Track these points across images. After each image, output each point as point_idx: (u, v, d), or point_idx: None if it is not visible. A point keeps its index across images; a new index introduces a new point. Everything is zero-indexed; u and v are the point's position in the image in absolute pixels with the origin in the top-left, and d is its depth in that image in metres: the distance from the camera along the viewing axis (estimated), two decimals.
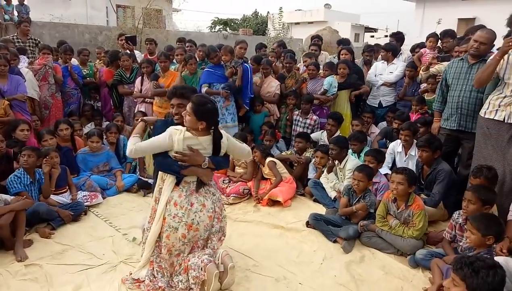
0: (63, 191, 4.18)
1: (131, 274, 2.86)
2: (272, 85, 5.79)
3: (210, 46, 5.64)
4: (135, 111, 5.84)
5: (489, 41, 3.83)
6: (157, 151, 2.69)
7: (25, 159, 3.78)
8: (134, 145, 2.66)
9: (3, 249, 3.22)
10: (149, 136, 3.09)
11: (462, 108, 3.99)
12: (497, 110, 3.52)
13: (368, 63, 6.35)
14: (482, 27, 4.01)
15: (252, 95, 5.54)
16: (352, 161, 4.30)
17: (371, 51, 6.49)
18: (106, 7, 16.31)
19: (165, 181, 2.75)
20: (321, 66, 6.02)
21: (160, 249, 2.77)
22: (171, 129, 2.67)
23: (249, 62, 5.98)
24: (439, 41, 5.87)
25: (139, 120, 3.02)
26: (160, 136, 2.67)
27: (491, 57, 3.59)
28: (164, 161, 2.70)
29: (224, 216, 2.95)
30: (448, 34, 5.71)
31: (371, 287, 2.90)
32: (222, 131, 2.81)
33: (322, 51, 7.11)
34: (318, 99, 5.64)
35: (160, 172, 2.81)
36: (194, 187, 2.74)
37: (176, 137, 2.63)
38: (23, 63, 5.64)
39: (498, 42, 4.94)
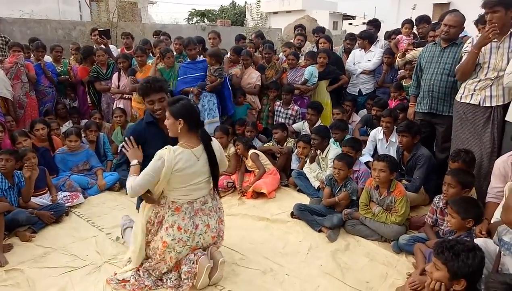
0: (42, 192, 4.08)
1: (115, 274, 2.82)
2: (252, 77, 5.76)
3: (189, 38, 5.55)
4: (114, 108, 5.72)
5: (459, 24, 3.91)
6: (155, 179, 2.52)
7: (2, 163, 3.65)
8: (131, 183, 2.56)
9: None
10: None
11: (433, 91, 4.06)
12: (472, 94, 3.58)
13: (349, 51, 6.38)
14: (455, 11, 4.07)
15: (232, 112, 5.50)
16: (334, 150, 4.34)
17: (353, 40, 6.50)
18: (79, 1, 15.87)
19: (165, 206, 2.66)
20: (302, 56, 6.01)
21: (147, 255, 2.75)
22: (158, 153, 2.52)
23: (228, 53, 5.95)
24: (415, 27, 5.94)
25: (134, 163, 2.76)
26: (151, 165, 2.51)
27: (466, 44, 3.64)
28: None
29: (223, 232, 2.95)
30: (423, 20, 5.78)
31: (357, 275, 2.95)
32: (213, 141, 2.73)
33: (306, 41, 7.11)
34: (298, 89, 5.64)
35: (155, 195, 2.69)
36: (199, 206, 2.68)
37: (166, 157, 2.47)
38: None
39: (471, 28, 5.07)
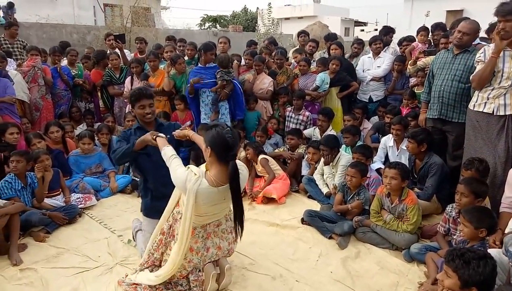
0: (56, 193, 4.14)
1: (127, 275, 2.85)
2: (264, 82, 5.79)
3: (207, 43, 5.60)
4: (126, 112, 5.79)
5: (472, 32, 3.89)
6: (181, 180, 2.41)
7: (14, 164, 3.73)
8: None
9: None
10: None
11: (444, 97, 4.04)
12: (485, 102, 3.55)
13: (355, 56, 6.36)
14: (470, 19, 4.05)
15: (243, 117, 5.53)
16: (345, 157, 4.34)
17: (360, 44, 6.48)
18: (94, 6, 16.13)
19: (179, 222, 2.52)
20: (313, 62, 6.03)
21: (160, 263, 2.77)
22: (190, 170, 2.42)
23: (242, 57, 6.01)
24: (430, 34, 5.92)
25: (155, 137, 2.78)
26: (181, 168, 2.46)
27: (478, 54, 3.62)
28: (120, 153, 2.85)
29: (233, 251, 2.92)
30: (439, 27, 5.76)
31: (367, 283, 2.93)
32: (240, 166, 2.50)
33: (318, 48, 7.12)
34: (309, 95, 5.65)
35: (169, 207, 2.66)
36: (212, 229, 2.64)
37: (189, 185, 2.34)
38: (10, 66, 5.56)
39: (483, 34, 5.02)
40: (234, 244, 2.85)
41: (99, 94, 6.49)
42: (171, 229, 2.68)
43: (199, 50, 5.59)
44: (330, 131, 5.22)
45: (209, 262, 2.68)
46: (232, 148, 2.40)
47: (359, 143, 4.77)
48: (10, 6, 11.26)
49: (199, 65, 5.46)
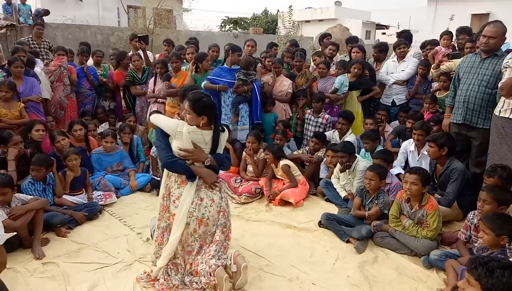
0: (79, 193, 4.24)
1: (145, 272, 2.89)
2: (284, 84, 5.79)
3: (234, 44, 5.65)
4: (149, 112, 5.88)
5: (498, 34, 3.79)
6: (164, 127, 2.77)
7: (34, 173, 3.85)
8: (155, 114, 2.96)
9: (21, 248, 3.29)
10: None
11: (469, 102, 3.95)
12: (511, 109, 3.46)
13: (377, 60, 6.27)
14: (495, 22, 3.95)
15: (259, 121, 5.54)
16: (363, 162, 4.29)
17: (383, 51, 6.38)
18: (118, 8, 16.45)
19: (171, 178, 2.83)
20: (333, 66, 5.99)
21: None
22: (178, 122, 2.79)
23: (261, 59, 6.02)
24: (454, 38, 5.81)
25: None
26: (171, 119, 2.88)
27: (506, 60, 3.52)
28: (174, 163, 2.75)
29: (229, 212, 3.00)
30: (464, 31, 5.65)
31: (385, 288, 2.89)
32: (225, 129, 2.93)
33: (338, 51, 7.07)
34: (328, 97, 5.62)
35: (165, 170, 2.88)
36: (201, 182, 2.81)
37: (184, 128, 2.71)
38: (37, 66, 5.73)
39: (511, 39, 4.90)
40: (226, 205, 2.94)
41: (121, 94, 6.61)
42: (167, 187, 2.84)
43: (226, 51, 5.64)
44: (350, 134, 5.18)
45: (218, 267, 2.68)
46: (216, 109, 2.92)
47: (379, 148, 4.72)
48: (46, 13, 11.56)
49: (225, 65, 5.51)
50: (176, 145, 2.73)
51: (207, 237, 2.82)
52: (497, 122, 3.62)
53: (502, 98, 3.57)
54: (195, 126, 2.72)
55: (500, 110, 3.57)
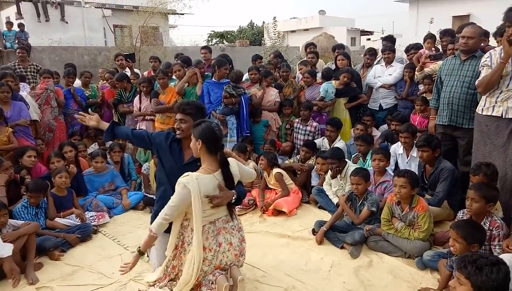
0: (69, 212, 4.21)
1: None
2: (271, 94, 5.85)
3: (220, 59, 5.69)
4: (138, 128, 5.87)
5: (476, 35, 3.91)
6: (182, 207, 2.59)
7: (32, 200, 3.83)
8: (160, 220, 2.62)
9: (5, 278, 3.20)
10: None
11: (453, 103, 4.04)
12: (494, 106, 3.53)
13: (368, 66, 6.39)
14: (472, 23, 4.07)
15: (248, 133, 5.57)
16: (353, 167, 4.33)
17: (373, 55, 6.52)
18: (104, 28, 16.52)
19: (188, 227, 2.65)
20: (317, 74, 6.08)
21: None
22: (181, 181, 2.54)
23: (247, 73, 6.10)
24: (439, 40, 5.92)
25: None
26: (175, 194, 2.55)
27: (484, 58, 3.62)
28: None
29: (246, 251, 2.93)
30: (447, 33, 5.77)
31: None
32: (230, 159, 2.74)
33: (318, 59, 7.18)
34: (316, 105, 5.69)
35: (177, 222, 2.69)
36: (221, 225, 2.71)
37: (190, 185, 2.50)
38: (23, 90, 5.72)
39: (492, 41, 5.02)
40: (244, 242, 2.87)
41: (113, 112, 6.59)
42: (182, 238, 2.72)
43: (213, 66, 5.70)
44: (339, 141, 5.24)
45: (221, 274, 2.69)
46: (220, 139, 2.67)
47: (371, 151, 4.78)
48: (21, 30, 11.58)
49: (213, 80, 5.56)
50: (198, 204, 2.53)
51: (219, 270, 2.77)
52: (480, 120, 3.68)
53: (484, 97, 3.65)
54: (200, 172, 2.59)
55: (482, 109, 3.64)
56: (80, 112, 3.38)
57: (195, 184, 2.50)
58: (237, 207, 4.44)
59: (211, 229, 2.66)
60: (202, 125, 2.62)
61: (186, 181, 2.51)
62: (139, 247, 2.74)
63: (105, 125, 3.24)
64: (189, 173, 2.58)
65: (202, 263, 2.62)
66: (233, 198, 2.68)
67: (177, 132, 2.97)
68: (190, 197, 2.50)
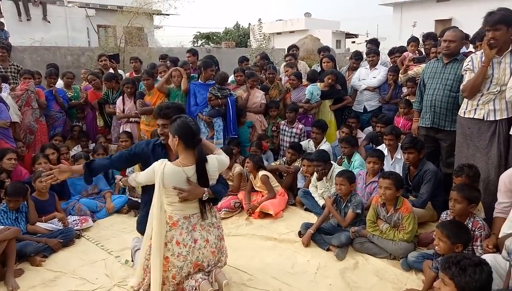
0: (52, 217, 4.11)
1: None
2: (257, 96, 5.84)
3: (206, 60, 5.66)
4: (120, 132, 5.78)
5: (458, 38, 3.99)
6: (151, 180, 2.67)
7: (11, 205, 3.74)
8: (134, 177, 2.82)
9: None
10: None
11: (436, 106, 4.10)
12: (475, 109, 3.60)
13: (354, 69, 6.45)
14: (453, 27, 4.16)
15: (235, 135, 5.55)
16: (339, 169, 4.35)
17: (359, 60, 6.58)
18: (87, 28, 16.24)
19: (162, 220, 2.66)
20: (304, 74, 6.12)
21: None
22: (153, 164, 2.67)
23: (233, 75, 6.09)
24: (422, 44, 6.02)
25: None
26: (147, 170, 2.70)
27: (466, 62, 3.68)
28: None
29: (226, 249, 2.95)
30: (430, 36, 5.87)
31: None
32: (211, 156, 2.74)
33: (300, 61, 7.22)
34: (302, 107, 5.72)
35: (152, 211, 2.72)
36: (196, 221, 2.70)
37: (156, 168, 2.60)
38: (4, 91, 5.58)
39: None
40: (222, 241, 2.88)
41: (97, 113, 6.46)
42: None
43: (199, 68, 5.66)
44: (325, 143, 5.26)
45: (204, 279, 2.66)
46: (196, 134, 2.66)
47: (355, 154, 4.81)
48: (1, 29, 11.30)
49: (200, 81, 5.52)
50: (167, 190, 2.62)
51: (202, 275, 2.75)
52: (463, 123, 3.75)
53: (465, 100, 3.71)
54: (173, 164, 2.61)
55: (464, 112, 3.70)
56: (44, 173, 3.20)
57: (161, 167, 2.58)
58: (223, 209, 4.47)
59: (185, 225, 2.67)
60: (178, 121, 2.63)
61: (156, 164, 2.63)
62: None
63: (78, 168, 2.99)
64: (165, 160, 2.66)
65: (176, 258, 2.63)
66: (204, 195, 2.65)
67: (162, 137, 2.93)
68: (153, 178, 2.60)
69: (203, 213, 2.72)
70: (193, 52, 6.87)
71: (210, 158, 2.73)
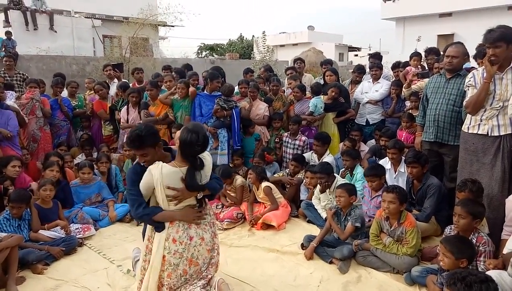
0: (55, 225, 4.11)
1: None
2: (260, 108, 5.88)
3: (212, 72, 5.70)
4: (122, 142, 5.80)
5: (460, 54, 4.02)
6: (149, 189, 2.67)
7: (14, 211, 3.75)
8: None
9: None
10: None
11: (439, 121, 4.11)
12: (479, 124, 3.60)
13: (357, 83, 6.50)
14: (456, 43, 4.19)
15: (239, 146, 5.57)
16: (342, 182, 4.35)
17: (361, 73, 6.64)
18: (93, 38, 16.41)
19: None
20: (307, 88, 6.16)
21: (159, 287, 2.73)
22: (149, 167, 2.68)
23: (237, 86, 6.13)
24: (424, 58, 6.07)
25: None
26: (144, 177, 2.67)
27: (468, 79, 3.71)
28: (142, 218, 2.72)
29: (218, 246, 2.96)
30: (432, 51, 5.92)
31: None
32: (204, 154, 2.76)
33: (305, 74, 7.27)
34: (305, 119, 5.75)
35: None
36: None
37: (153, 171, 2.63)
38: (10, 99, 5.63)
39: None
40: (216, 238, 2.90)
41: (102, 122, 6.50)
42: (153, 229, 2.75)
43: (205, 79, 5.72)
44: (328, 155, 5.27)
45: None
46: (196, 153, 2.69)
47: (358, 166, 4.82)
48: (9, 38, 11.43)
49: (205, 92, 5.57)
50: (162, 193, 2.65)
51: (197, 276, 2.76)
52: (467, 138, 3.74)
53: (468, 116, 3.72)
54: (169, 165, 2.66)
55: (468, 127, 3.70)
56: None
57: (158, 171, 2.61)
58: (225, 220, 4.46)
59: (181, 222, 2.70)
60: (189, 136, 2.62)
61: (152, 167, 2.65)
62: None
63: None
64: (160, 162, 2.68)
65: (172, 256, 2.66)
66: (199, 194, 2.72)
67: (145, 164, 2.78)
68: (152, 182, 2.62)
69: (201, 207, 2.80)
70: (170, 68, 6.86)
71: (204, 157, 2.75)
